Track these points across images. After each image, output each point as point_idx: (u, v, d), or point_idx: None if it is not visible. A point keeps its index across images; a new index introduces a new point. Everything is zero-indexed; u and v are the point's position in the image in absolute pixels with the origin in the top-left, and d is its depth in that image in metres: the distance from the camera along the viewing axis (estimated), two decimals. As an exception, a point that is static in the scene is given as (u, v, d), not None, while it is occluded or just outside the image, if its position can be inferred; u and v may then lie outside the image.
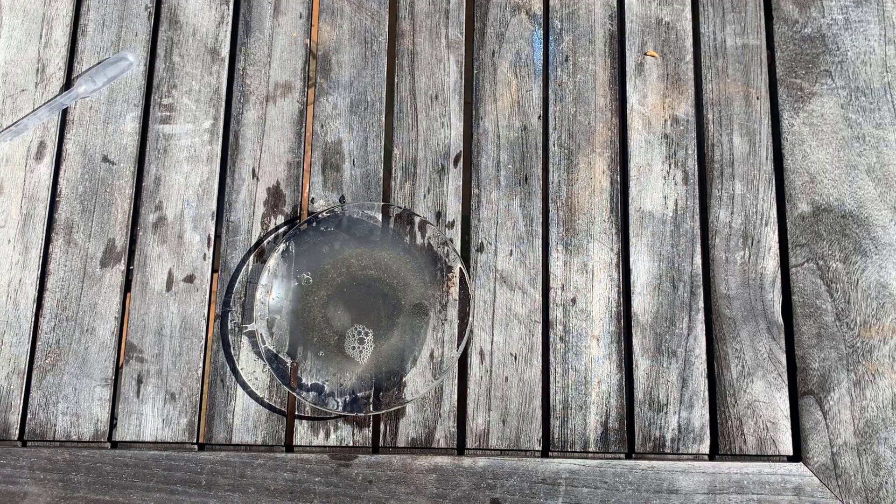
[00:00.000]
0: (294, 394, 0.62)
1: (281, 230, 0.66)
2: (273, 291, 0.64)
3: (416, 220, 0.65)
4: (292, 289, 0.64)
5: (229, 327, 0.64)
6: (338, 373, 0.63)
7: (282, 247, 0.64)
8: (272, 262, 0.64)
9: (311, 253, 0.65)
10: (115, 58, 0.69)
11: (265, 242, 0.65)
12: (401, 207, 0.66)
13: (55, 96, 0.68)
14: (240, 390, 0.63)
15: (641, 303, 0.65)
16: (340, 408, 0.61)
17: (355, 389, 0.62)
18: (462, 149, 0.68)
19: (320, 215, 0.65)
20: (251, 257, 0.65)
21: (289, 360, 0.63)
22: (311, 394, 0.62)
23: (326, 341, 0.63)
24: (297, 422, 0.62)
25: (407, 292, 0.64)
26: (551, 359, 0.64)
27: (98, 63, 0.69)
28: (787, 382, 0.63)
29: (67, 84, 0.69)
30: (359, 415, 0.59)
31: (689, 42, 0.70)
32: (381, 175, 0.67)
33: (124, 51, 0.69)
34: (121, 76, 0.69)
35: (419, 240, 0.65)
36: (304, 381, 0.63)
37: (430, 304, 0.64)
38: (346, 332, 0.63)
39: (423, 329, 0.64)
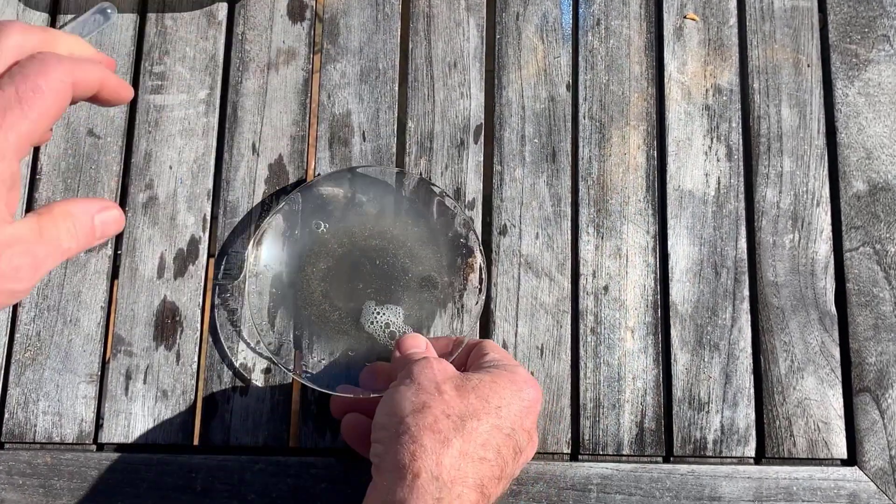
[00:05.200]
0: (302, 381, 0.58)
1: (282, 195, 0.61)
2: (262, 259, 0.60)
3: (435, 192, 0.60)
4: (289, 258, 0.60)
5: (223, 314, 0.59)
6: (338, 352, 0.60)
7: (281, 209, 0.60)
8: (269, 230, 0.60)
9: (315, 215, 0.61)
10: (93, 10, 0.63)
11: (264, 222, 0.60)
12: (418, 175, 0.61)
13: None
14: (239, 388, 0.59)
15: (680, 291, 0.60)
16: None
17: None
18: (483, 121, 0.63)
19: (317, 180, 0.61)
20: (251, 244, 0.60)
21: (289, 343, 0.60)
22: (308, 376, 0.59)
23: (331, 320, 0.60)
24: (301, 422, 0.58)
25: (418, 269, 0.60)
26: (581, 353, 0.59)
27: (75, 17, 0.64)
28: (840, 379, 0.59)
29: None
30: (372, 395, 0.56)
31: (732, 4, 0.65)
32: (395, 150, 0.63)
33: (104, 2, 0.64)
34: (100, 28, 0.63)
35: (435, 218, 0.60)
36: (307, 362, 0.58)
37: (446, 292, 0.60)
38: (360, 309, 0.60)
39: (433, 313, 0.60)
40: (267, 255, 0.60)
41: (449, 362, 0.50)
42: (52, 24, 0.65)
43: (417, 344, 0.54)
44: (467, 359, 0.54)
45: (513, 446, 0.47)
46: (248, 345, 0.59)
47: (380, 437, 0.47)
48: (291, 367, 0.59)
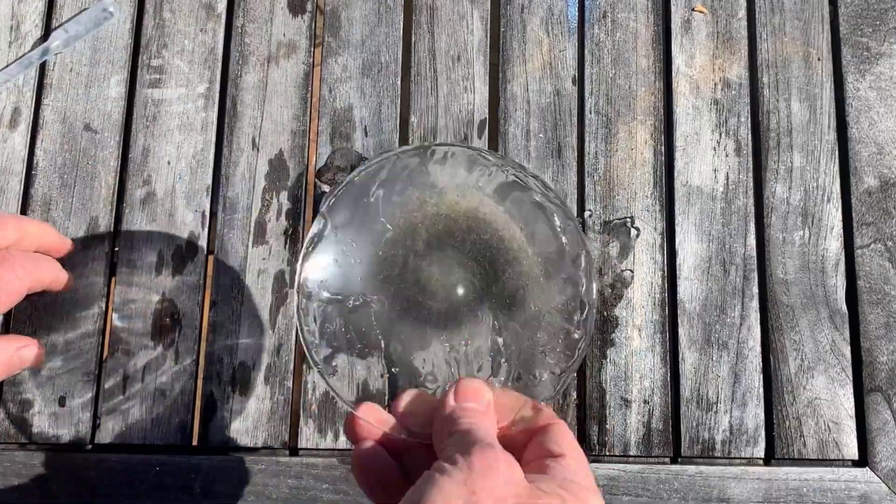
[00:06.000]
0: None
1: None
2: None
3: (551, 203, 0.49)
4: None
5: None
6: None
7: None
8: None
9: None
10: (93, 8, 0.62)
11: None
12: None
13: (27, 52, 0.62)
14: (239, 388, 0.57)
15: (688, 288, 0.59)
16: None
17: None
18: (487, 116, 0.62)
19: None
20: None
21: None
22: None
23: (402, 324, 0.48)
24: (302, 422, 0.57)
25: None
26: (587, 351, 0.58)
27: (76, 14, 0.63)
28: (851, 378, 0.58)
29: (45, 41, 0.63)
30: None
31: (741, -4, 0.64)
32: (397, 145, 0.62)
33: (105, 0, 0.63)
34: (99, 27, 0.62)
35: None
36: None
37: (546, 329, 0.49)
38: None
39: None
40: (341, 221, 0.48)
41: (504, 428, 0.41)
42: (49, 19, 0.64)
43: (478, 397, 0.41)
44: (527, 437, 0.41)
45: None
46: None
47: None
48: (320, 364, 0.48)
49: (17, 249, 0.52)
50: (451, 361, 0.47)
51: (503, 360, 0.48)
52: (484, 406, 0.41)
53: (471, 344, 0.47)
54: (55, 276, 0.54)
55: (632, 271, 0.59)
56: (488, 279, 0.48)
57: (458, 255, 0.48)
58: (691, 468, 0.56)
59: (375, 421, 0.42)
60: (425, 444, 0.41)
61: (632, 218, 0.60)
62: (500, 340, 0.48)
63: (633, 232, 0.59)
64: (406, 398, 0.43)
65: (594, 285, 0.47)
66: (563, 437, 0.39)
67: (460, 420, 0.39)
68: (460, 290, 0.48)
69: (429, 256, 0.49)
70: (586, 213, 0.60)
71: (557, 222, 0.48)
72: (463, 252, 0.48)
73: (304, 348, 0.46)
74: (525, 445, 0.40)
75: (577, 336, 0.47)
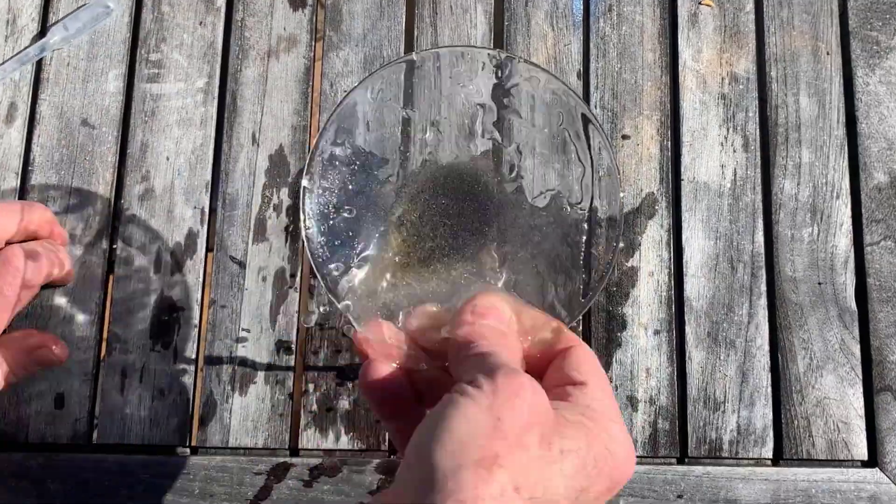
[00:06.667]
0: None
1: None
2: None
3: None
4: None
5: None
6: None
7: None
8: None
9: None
10: (93, 4, 0.61)
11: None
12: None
13: (24, 47, 0.61)
14: (238, 387, 0.57)
15: (695, 286, 0.58)
16: None
17: None
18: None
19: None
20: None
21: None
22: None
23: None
24: (303, 422, 0.56)
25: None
26: (592, 350, 0.57)
27: (75, 10, 0.62)
28: (861, 377, 0.57)
29: (42, 37, 0.62)
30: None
31: (749, -11, 0.63)
32: (400, 140, 0.61)
33: None
34: (98, 24, 0.62)
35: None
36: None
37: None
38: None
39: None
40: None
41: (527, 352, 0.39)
42: (46, 12, 0.63)
43: (498, 314, 0.39)
44: (547, 359, 0.39)
45: None
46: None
47: (407, 478, 0.32)
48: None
49: (21, 241, 0.52)
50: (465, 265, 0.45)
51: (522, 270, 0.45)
52: (504, 325, 0.39)
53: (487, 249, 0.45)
54: (65, 267, 0.55)
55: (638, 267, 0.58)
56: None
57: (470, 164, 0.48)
58: (698, 469, 0.55)
59: (385, 339, 0.40)
60: (440, 366, 0.39)
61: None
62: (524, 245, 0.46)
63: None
64: (418, 314, 0.41)
65: (618, 194, 0.46)
66: (586, 363, 0.38)
67: (479, 341, 0.37)
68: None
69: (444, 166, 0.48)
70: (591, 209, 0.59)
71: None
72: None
73: (306, 244, 0.44)
74: (545, 367, 0.39)
75: (598, 250, 0.45)
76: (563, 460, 0.32)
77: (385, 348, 0.39)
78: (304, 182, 0.45)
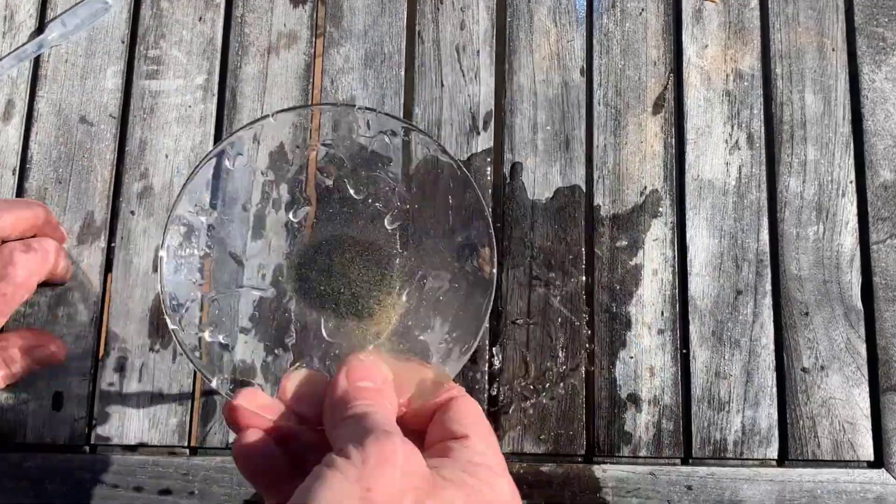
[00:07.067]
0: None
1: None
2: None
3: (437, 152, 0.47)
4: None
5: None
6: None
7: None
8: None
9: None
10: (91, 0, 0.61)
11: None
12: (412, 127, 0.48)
13: (22, 44, 0.61)
14: (238, 387, 0.56)
15: (700, 285, 0.58)
16: None
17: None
18: (493, 108, 0.60)
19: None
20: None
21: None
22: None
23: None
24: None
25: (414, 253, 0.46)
26: (596, 349, 0.57)
27: (73, 6, 0.62)
28: (867, 377, 0.56)
29: (40, 33, 0.61)
30: None
31: (754, -15, 0.62)
32: (401, 138, 0.60)
33: None
34: (97, 20, 0.61)
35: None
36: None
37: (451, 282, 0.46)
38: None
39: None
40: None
41: (404, 410, 0.37)
42: (43, 8, 0.62)
43: (373, 374, 0.37)
44: (430, 412, 0.38)
45: None
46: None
47: None
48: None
49: (17, 239, 0.51)
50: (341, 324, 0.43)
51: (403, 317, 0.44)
52: (380, 384, 0.37)
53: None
54: (63, 265, 0.54)
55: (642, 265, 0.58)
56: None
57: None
58: (702, 469, 0.55)
59: (258, 408, 0.38)
60: (317, 430, 0.37)
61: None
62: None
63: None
64: (293, 380, 0.40)
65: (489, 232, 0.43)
66: (467, 414, 0.36)
67: (354, 403, 0.35)
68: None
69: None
70: (595, 208, 0.59)
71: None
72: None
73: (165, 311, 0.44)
74: (427, 422, 0.37)
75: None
76: None
77: (257, 418, 0.38)
78: (162, 253, 0.45)
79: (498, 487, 0.33)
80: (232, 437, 0.55)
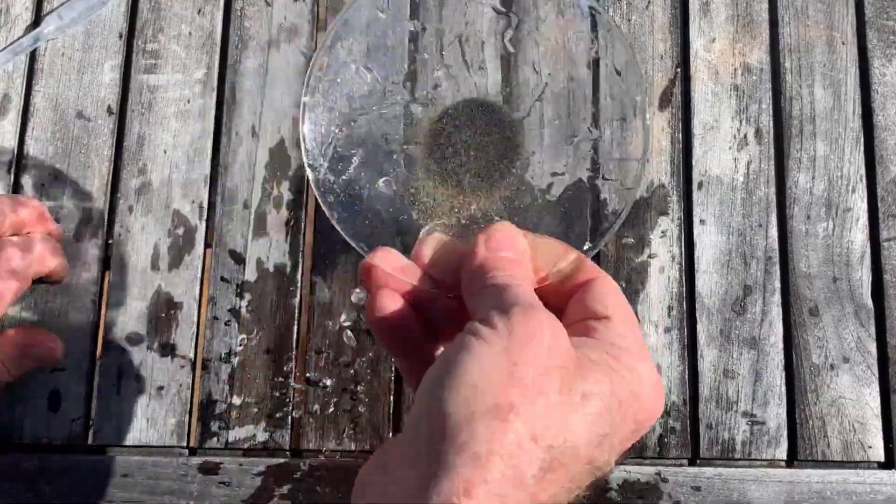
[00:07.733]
0: None
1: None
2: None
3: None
4: None
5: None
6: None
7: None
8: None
9: None
10: None
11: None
12: None
13: (18, 38, 0.60)
14: (238, 386, 0.56)
15: (707, 282, 0.57)
16: None
17: None
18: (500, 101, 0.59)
19: None
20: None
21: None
22: None
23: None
24: (304, 423, 0.55)
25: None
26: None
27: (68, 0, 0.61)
28: (877, 376, 0.56)
29: (36, 26, 0.61)
30: None
31: (762, -23, 0.62)
32: (403, 131, 0.60)
33: None
34: (94, 13, 0.60)
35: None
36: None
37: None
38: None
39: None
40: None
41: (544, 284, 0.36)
42: (40, 2, 0.61)
43: (513, 245, 0.36)
44: (568, 292, 0.37)
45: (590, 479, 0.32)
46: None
47: (416, 426, 0.31)
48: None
49: (13, 236, 0.51)
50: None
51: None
52: (519, 255, 0.36)
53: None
54: (59, 262, 0.53)
55: (652, 256, 0.57)
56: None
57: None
58: (710, 470, 0.54)
59: (394, 269, 0.37)
60: (451, 298, 0.37)
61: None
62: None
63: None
64: (428, 244, 0.38)
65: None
66: (609, 295, 0.35)
67: (494, 273, 0.35)
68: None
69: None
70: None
71: None
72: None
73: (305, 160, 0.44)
74: (565, 301, 0.36)
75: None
76: (585, 406, 0.30)
77: (392, 279, 0.37)
78: (305, 98, 0.44)
79: (641, 372, 0.33)
80: (232, 437, 0.55)
